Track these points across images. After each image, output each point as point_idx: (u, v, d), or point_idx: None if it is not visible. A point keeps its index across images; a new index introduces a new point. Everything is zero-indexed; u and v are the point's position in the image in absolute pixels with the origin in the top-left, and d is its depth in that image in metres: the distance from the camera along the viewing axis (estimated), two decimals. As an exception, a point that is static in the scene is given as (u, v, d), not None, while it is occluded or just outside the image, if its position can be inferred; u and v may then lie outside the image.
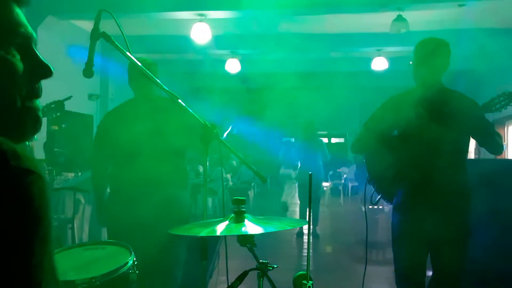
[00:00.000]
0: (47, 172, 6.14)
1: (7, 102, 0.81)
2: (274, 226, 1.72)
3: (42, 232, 0.72)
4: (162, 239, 2.51)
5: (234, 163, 11.98)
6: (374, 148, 2.71)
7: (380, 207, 7.10)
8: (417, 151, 2.49)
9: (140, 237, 2.46)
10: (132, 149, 2.65)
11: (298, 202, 8.22)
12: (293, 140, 8.57)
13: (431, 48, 2.61)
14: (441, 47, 2.62)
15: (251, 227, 1.67)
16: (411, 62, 2.67)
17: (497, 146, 2.61)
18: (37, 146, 6.43)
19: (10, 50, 0.82)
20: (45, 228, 0.73)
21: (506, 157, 9.41)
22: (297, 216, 8.58)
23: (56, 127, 7.76)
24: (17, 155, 0.71)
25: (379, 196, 2.83)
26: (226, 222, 1.72)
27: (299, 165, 8.00)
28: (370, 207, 6.83)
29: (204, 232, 1.67)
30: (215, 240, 3.35)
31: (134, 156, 2.65)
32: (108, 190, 2.91)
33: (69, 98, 3.09)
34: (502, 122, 9.51)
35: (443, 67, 2.61)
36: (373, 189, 2.86)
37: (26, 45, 0.86)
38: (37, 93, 0.87)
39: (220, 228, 1.68)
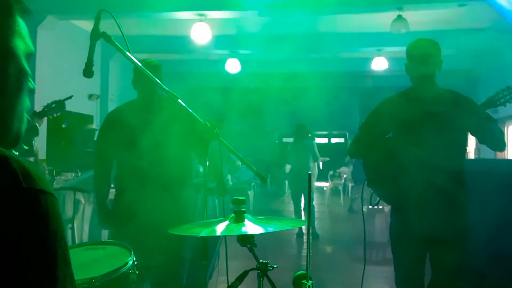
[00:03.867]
0: (47, 172, 6.14)
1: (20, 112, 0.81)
2: (274, 226, 1.72)
3: (61, 253, 0.70)
4: (168, 240, 2.51)
5: (239, 163, 11.96)
6: (371, 151, 2.70)
7: (380, 207, 7.10)
8: (413, 152, 2.49)
9: (146, 238, 2.45)
10: (135, 150, 2.64)
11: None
12: (291, 140, 8.65)
13: (421, 49, 2.60)
14: (430, 47, 2.61)
15: (251, 227, 1.67)
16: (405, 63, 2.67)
17: (497, 142, 2.55)
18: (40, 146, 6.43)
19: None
20: (63, 248, 0.71)
21: (506, 157, 9.40)
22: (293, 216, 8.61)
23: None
24: (29, 175, 0.69)
25: (378, 198, 2.83)
26: (226, 222, 1.72)
27: (290, 166, 8.09)
28: (370, 207, 6.84)
29: (204, 232, 1.67)
30: (215, 240, 3.35)
31: (138, 157, 2.64)
32: (114, 192, 2.90)
33: (69, 97, 3.09)
34: (502, 122, 9.51)
35: (435, 66, 2.59)
36: (372, 191, 2.85)
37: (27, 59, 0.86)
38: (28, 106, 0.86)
39: (220, 228, 1.68)
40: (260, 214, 1.87)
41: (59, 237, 0.70)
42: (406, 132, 2.57)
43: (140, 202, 2.58)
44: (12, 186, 0.67)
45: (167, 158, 2.65)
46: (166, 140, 2.63)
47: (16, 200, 0.66)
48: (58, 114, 3.21)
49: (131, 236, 2.34)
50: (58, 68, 7.49)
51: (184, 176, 2.85)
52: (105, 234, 4.67)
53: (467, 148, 2.71)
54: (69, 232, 5.25)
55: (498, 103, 2.60)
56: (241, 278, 1.75)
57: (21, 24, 0.82)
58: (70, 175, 6.08)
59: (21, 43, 0.81)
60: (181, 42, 8.62)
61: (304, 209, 7.93)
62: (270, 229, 1.69)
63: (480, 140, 2.63)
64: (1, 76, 0.77)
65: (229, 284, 1.73)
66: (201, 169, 3.16)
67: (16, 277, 0.65)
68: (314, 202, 8.57)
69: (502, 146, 2.56)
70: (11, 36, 0.79)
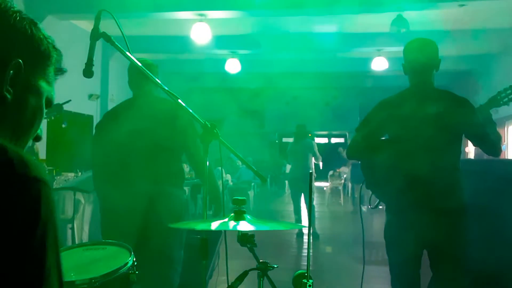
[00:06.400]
0: (47, 172, 6.13)
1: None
2: (272, 226, 1.72)
3: (51, 239, 0.73)
4: (156, 239, 2.51)
5: (239, 163, 11.96)
6: (368, 152, 2.69)
7: (380, 207, 7.10)
8: (409, 153, 2.48)
9: (134, 237, 2.45)
10: (128, 149, 2.65)
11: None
12: (291, 140, 8.66)
13: (418, 49, 2.58)
14: (428, 46, 2.60)
15: (249, 225, 1.67)
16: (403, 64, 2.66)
17: (492, 147, 2.50)
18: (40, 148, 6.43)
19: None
20: (54, 235, 0.74)
21: (506, 157, 9.40)
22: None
23: None
24: (24, 163, 0.72)
25: (378, 200, 2.82)
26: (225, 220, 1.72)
27: (290, 166, 8.11)
28: (370, 207, 6.83)
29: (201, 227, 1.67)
30: (215, 240, 3.35)
31: (129, 156, 2.66)
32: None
33: (68, 102, 3.16)
34: (502, 122, 9.49)
35: (432, 66, 2.57)
36: (371, 193, 2.84)
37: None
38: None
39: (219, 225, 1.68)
40: (260, 215, 1.87)
41: (50, 223, 0.72)
42: (401, 134, 2.55)
43: (129, 200, 2.59)
44: (5, 172, 0.70)
45: (156, 157, 2.67)
46: (156, 139, 2.65)
47: (8, 185, 0.69)
48: (55, 114, 3.24)
49: (120, 235, 2.33)
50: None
51: (174, 175, 2.85)
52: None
53: (467, 148, 2.70)
54: (69, 232, 5.24)
55: (501, 102, 2.56)
56: (241, 278, 1.75)
57: (52, 76, 0.92)
58: (70, 175, 6.09)
59: (46, 87, 0.91)
60: (181, 42, 8.62)
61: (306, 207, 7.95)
62: (266, 227, 1.69)
63: (473, 143, 2.61)
64: (23, 103, 0.85)
65: (229, 284, 1.74)
66: (186, 168, 3.18)
67: (2, 257, 0.67)
68: (314, 202, 8.60)
69: (497, 151, 2.52)
70: (40, 76, 0.89)
